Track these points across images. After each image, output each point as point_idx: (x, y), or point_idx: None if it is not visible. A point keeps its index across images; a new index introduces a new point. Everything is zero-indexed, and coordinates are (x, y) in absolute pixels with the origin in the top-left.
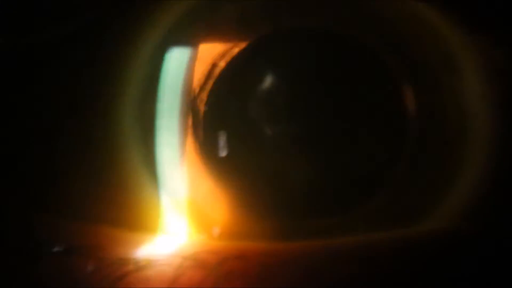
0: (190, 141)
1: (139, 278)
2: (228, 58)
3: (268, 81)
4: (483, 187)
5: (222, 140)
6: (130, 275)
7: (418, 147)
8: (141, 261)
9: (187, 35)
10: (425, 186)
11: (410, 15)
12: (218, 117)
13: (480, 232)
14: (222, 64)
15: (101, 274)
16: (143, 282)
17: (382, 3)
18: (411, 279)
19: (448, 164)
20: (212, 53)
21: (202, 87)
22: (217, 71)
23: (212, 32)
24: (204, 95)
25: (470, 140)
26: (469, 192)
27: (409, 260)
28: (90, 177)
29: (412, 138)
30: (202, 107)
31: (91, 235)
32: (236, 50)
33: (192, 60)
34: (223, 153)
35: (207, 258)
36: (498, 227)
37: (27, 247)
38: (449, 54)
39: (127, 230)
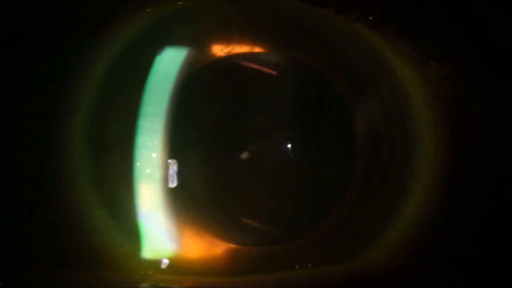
0: (143, 167)
1: None
2: (181, 82)
3: (219, 106)
4: (427, 219)
5: (172, 169)
6: None
7: (365, 175)
8: None
9: (141, 56)
10: (369, 215)
11: (363, 46)
12: (170, 144)
13: (422, 268)
14: (175, 87)
15: None
16: None
17: (335, 33)
18: None
19: (393, 193)
20: (168, 73)
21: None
22: (171, 94)
23: (166, 51)
24: (157, 119)
25: (415, 168)
26: (412, 225)
27: None
28: (36, 202)
29: (361, 164)
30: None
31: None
32: (189, 74)
33: (145, 82)
34: (173, 183)
35: None
36: (440, 264)
37: None
38: (398, 83)
39: (74, 265)
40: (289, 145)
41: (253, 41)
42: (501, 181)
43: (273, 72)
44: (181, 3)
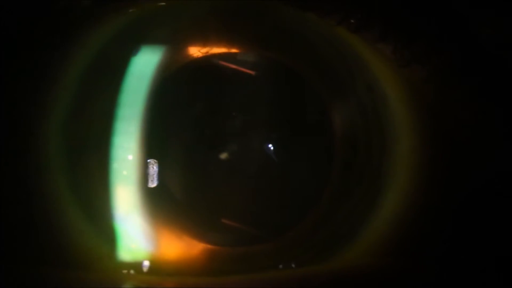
0: (120, 168)
1: None
2: (158, 82)
3: (197, 107)
4: (405, 219)
5: (152, 169)
6: None
7: (342, 174)
8: None
9: (118, 56)
10: (347, 215)
11: (342, 48)
12: (148, 145)
13: (402, 267)
14: (153, 88)
15: None
16: None
17: (314, 34)
18: None
19: (370, 193)
20: (145, 74)
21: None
22: (148, 95)
23: (143, 52)
24: (134, 120)
25: (393, 166)
26: (390, 225)
27: None
28: (10, 205)
29: (338, 164)
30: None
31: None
32: (166, 74)
33: (122, 82)
34: (153, 183)
35: None
36: (420, 263)
37: None
38: (376, 84)
39: (51, 267)
40: (267, 145)
41: (230, 41)
42: (479, 181)
43: (251, 73)
44: (161, 3)
